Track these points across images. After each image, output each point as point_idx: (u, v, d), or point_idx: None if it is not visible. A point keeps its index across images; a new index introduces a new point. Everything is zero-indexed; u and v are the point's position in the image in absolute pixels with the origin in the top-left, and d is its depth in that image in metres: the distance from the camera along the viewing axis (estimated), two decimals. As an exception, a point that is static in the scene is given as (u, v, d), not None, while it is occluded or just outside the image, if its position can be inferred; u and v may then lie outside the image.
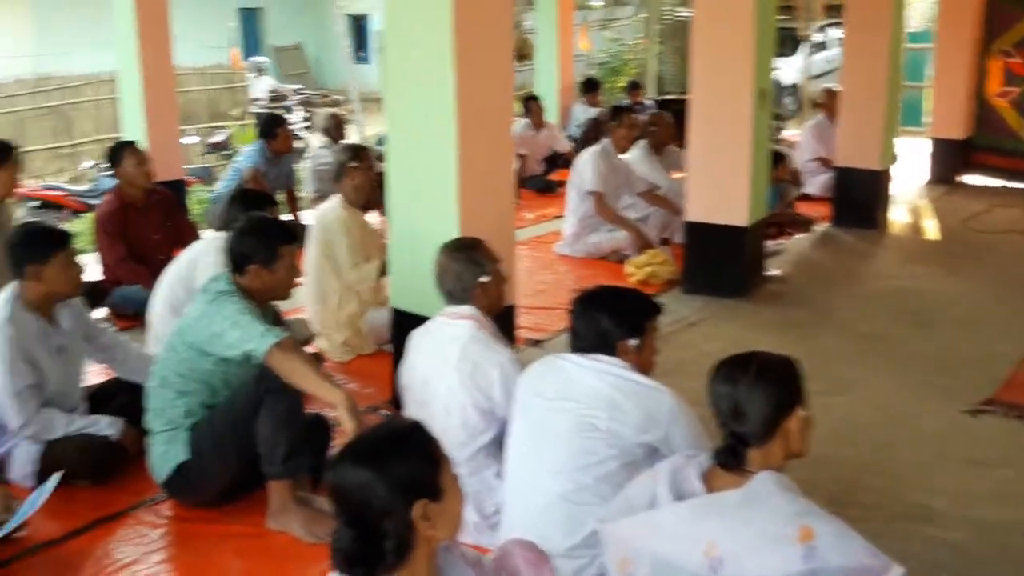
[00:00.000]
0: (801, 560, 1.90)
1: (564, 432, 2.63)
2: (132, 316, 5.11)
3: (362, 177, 4.91)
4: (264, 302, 3.30)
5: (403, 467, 1.74)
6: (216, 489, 3.24)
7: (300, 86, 19.21)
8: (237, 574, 2.96)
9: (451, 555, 1.93)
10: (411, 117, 3.81)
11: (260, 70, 14.19)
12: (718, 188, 5.66)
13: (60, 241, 3.46)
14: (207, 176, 10.43)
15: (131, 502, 3.37)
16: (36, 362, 3.42)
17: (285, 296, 3.38)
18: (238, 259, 3.22)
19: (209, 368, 3.19)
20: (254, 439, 3.09)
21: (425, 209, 3.82)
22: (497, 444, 3.07)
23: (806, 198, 8.38)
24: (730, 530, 1.95)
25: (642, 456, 2.61)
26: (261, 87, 14.07)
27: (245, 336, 3.01)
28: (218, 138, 12.75)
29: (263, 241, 3.21)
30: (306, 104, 16.72)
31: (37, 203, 8.57)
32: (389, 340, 4.71)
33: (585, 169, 6.61)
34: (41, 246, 3.40)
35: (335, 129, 7.83)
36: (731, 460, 2.13)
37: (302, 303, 4.91)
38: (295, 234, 3.38)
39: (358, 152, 5.07)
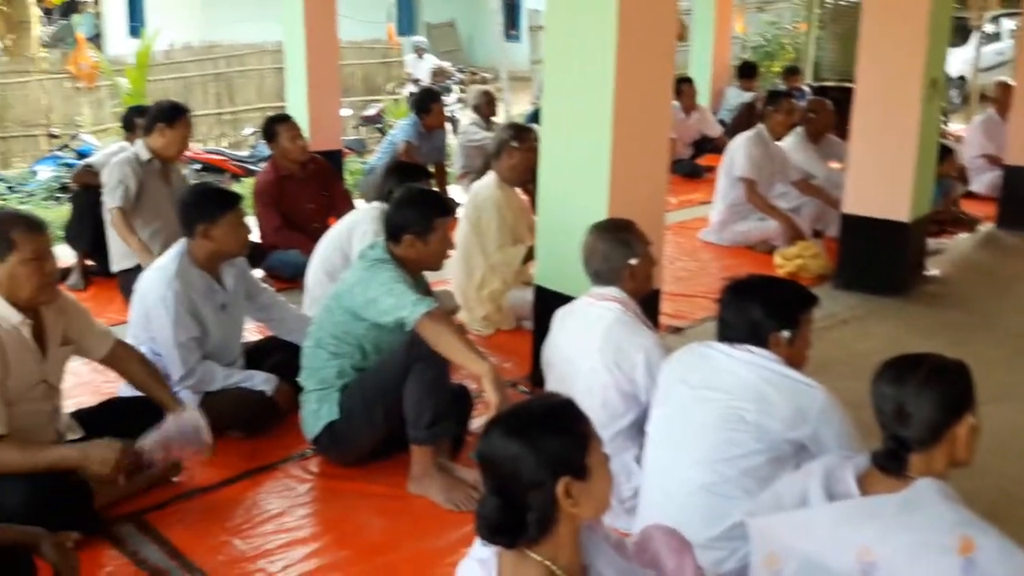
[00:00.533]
0: (960, 572, 1.81)
1: (709, 422, 2.58)
2: (288, 279, 5.31)
3: (519, 158, 4.92)
4: (416, 272, 3.37)
5: (552, 443, 1.75)
6: (362, 449, 3.34)
7: (451, 63, 19.53)
8: (377, 533, 3.04)
9: (594, 535, 1.93)
10: (568, 96, 3.79)
11: (421, 51, 14.35)
12: (880, 180, 5.43)
13: (230, 202, 3.61)
14: (360, 148, 10.70)
15: (281, 456, 3.52)
16: (200, 316, 3.60)
17: (437, 267, 3.44)
18: (394, 229, 3.30)
19: (362, 332, 3.28)
20: (401, 404, 3.17)
21: (576, 188, 3.81)
22: (637, 428, 3.05)
23: (971, 196, 7.95)
24: (886, 535, 1.88)
25: (790, 452, 2.54)
26: (423, 68, 14.23)
27: (398, 304, 3.09)
28: (371, 111, 13.04)
29: (419, 212, 3.28)
30: (458, 82, 16.99)
31: (199, 166, 8.98)
32: (529, 317, 4.75)
33: (737, 154, 6.44)
34: (212, 206, 3.56)
35: (486, 106, 7.91)
36: (891, 464, 2.04)
37: (448, 275, 4.99)
38: (450, 207, 3.43)
39: (520, 132, 5.06)
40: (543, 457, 1.74)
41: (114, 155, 5.74)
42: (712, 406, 2.58)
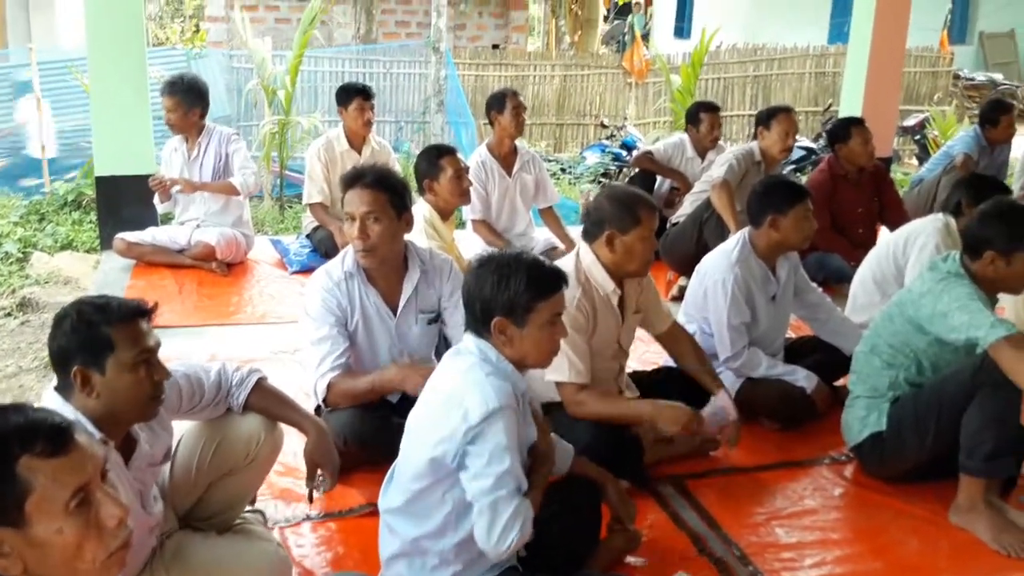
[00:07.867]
0: None
1: None
2: (821, 282, 5.23)
3: None
4: (992, 292, 3.13)
5: None
6: (904, 466, 3.21)
7: (1003, 76, 17.75)
8: (913, 554, 2.90)
9: None
10: None
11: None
12: None
13: (801, 195, 3.63)
14: (896, 158, 10.18)
15: (814, 454, 3.52)
16: (753, 304, 3.69)
17: (1016, 291, 3.18)
18: (976, 243, 3.09)
19: (922, 347, 3.15)
20: (956, 428, 2.98)
21: None
22: None
23: None
24: None
25: None
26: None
27: (973, 322, 2.89)
28: (911, 121, 12.33)
29: (1008, 230, 3.03)
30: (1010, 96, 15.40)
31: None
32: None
33: None
34: (783, 197, 3.61)
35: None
36: None
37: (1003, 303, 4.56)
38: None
39: None
40: None
41: (674, 145, 6.16)
42: None
